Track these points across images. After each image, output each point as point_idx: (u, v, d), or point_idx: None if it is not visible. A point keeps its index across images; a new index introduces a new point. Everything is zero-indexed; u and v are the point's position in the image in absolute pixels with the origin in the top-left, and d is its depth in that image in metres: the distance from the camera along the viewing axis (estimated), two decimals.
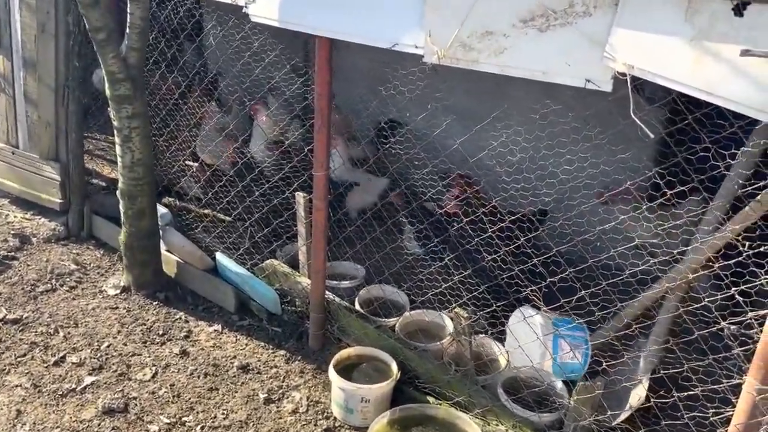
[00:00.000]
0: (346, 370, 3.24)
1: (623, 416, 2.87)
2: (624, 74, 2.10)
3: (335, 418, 3.17)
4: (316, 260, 3.47)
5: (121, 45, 3.51)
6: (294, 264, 3.95)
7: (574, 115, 3.35)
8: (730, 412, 2.25)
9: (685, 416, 2.32)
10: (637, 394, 2.89)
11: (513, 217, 3.18)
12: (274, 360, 3.55)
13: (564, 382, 3.14)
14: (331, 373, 3.14)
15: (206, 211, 4.51)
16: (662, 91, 2.23)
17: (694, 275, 2.48)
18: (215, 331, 3.77)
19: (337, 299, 3.63)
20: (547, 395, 3.02)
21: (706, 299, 2.17)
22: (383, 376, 3.19)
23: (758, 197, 2.22)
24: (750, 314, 2.14)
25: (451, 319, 3.51)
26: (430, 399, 3.11)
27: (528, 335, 3.12)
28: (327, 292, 3.59)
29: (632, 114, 2.17)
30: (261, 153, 4.79)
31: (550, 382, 3.10)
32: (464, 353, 2.99)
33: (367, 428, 3.03)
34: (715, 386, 2.23)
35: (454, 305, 2.97)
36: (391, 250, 3.56)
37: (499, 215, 3.27)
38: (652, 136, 2.12)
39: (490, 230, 3.05)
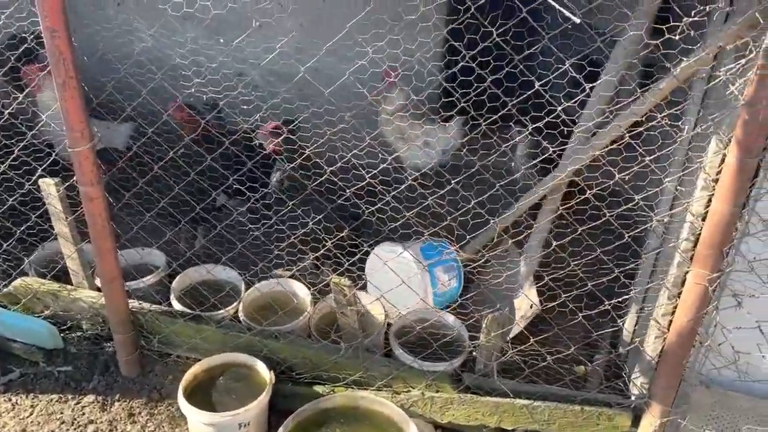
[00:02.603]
0: (200, 395, 2.44)
1: (523, 324, 2.68)
2: None
3: None
4: (105, 266, 2.46)
5: None
6: (60, 276, 2.82)
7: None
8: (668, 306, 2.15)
9: (619, 322, 2.16)
10: (527, 303, 2.70)
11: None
12: (83, 413, 2.55)
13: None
14: (187, 409, 2.32)
15: None
16: None
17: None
18: None
19: (146, 305, 2.70)
20: (445, 337, 2.66)
21: (639, 198, 1.93)
22: (251, 385, 2.48)
23: (699, 54, 1.98)
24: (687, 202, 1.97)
25: (312, 287, 2.89)
26: (318, 388, 2.52)
27: (403, 274, 2.65)
28: (130, 301, 2.64)
29: None
30: None
31: (442, 319, 2.74)
32: (352, 325, 2.43)
33: None
34: (653, 283, 2.08)
35: (330, 276, 2.34)
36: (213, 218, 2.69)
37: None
38: (577, 21, 1.69)
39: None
